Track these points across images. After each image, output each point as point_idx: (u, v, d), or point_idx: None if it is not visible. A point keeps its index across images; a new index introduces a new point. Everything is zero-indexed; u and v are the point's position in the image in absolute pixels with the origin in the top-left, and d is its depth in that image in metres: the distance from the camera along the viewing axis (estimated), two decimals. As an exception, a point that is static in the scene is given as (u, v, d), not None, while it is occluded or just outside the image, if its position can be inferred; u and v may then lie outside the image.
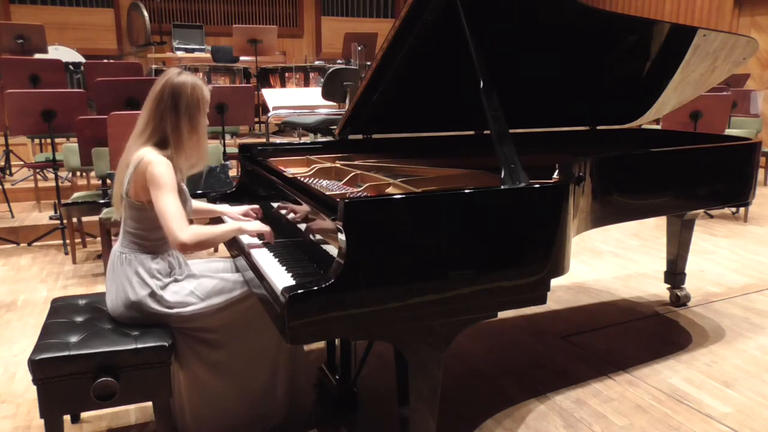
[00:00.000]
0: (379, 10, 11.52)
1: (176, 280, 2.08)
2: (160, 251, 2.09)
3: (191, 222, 2.13)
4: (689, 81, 3.18)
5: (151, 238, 2.07)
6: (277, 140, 7.07)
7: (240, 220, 2.30)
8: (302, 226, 2.07)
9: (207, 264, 2.25)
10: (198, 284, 2.08)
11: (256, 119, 7.57)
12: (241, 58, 8.03)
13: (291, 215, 2.15)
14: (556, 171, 2.02)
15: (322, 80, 6.44)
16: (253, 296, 2.08)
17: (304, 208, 2.01)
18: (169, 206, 1.94)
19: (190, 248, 1.98)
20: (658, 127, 5.26)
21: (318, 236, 1.93)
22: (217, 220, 2.41)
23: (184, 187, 2.15)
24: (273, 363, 2.20)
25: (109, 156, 3.81)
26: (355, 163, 2.58)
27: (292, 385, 2.26)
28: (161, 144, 2.04)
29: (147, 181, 1.96)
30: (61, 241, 4.61)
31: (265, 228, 2.13)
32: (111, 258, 2.12)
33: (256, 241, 2.16)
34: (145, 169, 1.96)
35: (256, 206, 2.41)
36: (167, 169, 1.97)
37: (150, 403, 2.11)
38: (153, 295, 2.03)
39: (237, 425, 2.15)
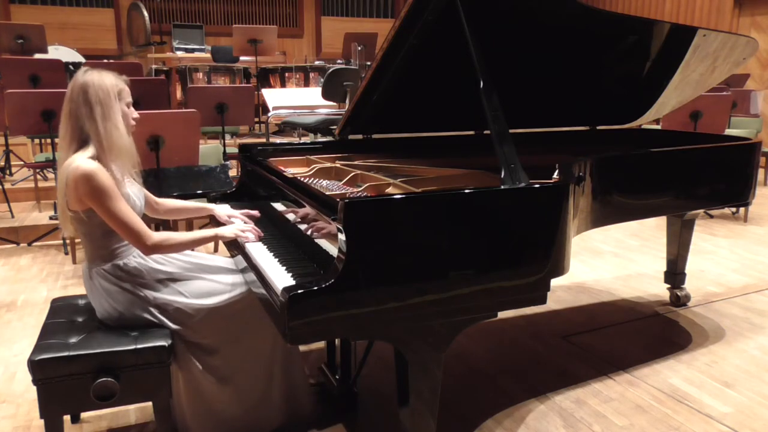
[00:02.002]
0: (379, 10, 11.52)
1: (158, 271, 2.05)
2: (122, 256, 2.03)
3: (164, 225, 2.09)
4: (689, 81, 3.17)
5: (105, 246, 2.00)
6: (277, 140, 7.06)
7: (227, 222, 2.30)
8: (303, 226, 2.07)
9: (208, 262, 2.24)
10: (188, 285, 2.07)
11: (256, 119, 7.57)
12: (241, 58, 8.03)
13: (298, 220, 2.14)
14: (556, 171, 2.02)
15: (322, 80, 6.44)
16: (248, 299, 2.08)
17: (310, 211, 2.00)
18: (120, 215, 1.89)
19: (158, 252, 1.98)
20: (658, 127, 5.25)
21: (316, 234, 1.93)
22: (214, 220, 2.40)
23: (129, 190, 2.04)
24: (268, 367, 2.19)
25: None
26: (355, 163, 2.58)
27: (290, 388, 2.26)
28: (85, 145, 1.96)
29: (84, 195, 1.89)
30: (61, 241, 4.61)
31: (246, 227, 2.12)
32: (83, 275, 2.10)
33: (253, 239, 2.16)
34: (77, 179, 1.88)
35: (253, 212, 2.34)
36: (101, 175, 1.88)
37: (150, 403, 2.11)
38: (136, 299, 2.01)
39: (235, 427, 2.15)
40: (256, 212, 2.35)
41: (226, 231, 2.13)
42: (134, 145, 2.07)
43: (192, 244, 2.06)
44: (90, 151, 1.94)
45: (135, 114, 2.08)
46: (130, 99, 2.07)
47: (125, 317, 2.03)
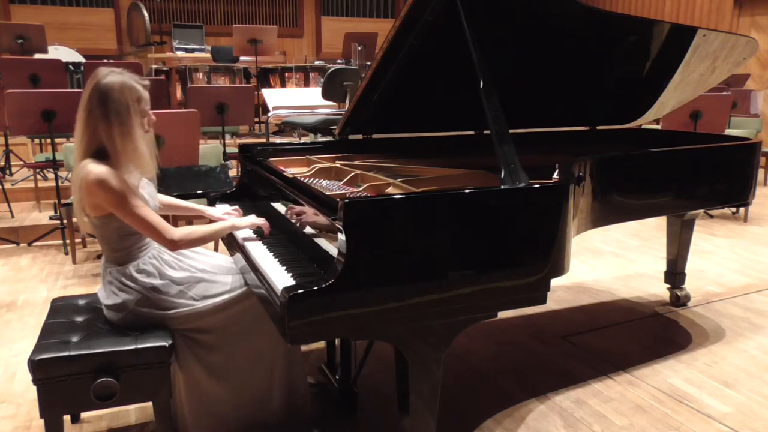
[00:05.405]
0: (379, 10, 11.52)
1: (172, 280, 2.07)
2: (135, 257, 2.04)
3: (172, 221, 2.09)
4: (689, 81, 3.17)
5: (121, 248, 2.02)
6: (277, 140, 7.07)
7: (221, 219, 2.29)
8: (304, 227, 2.07)
9: (208, 260, 2.24)
10: (193, 285, 2.07)
11: (256, 119, 7.57)
12: (241, 58, 8.03)
13: (298, 218, 2.14)
14: (556, 171, 2.02)
15: (322, 80, 6.44)
16: (249, 299, 2.08)
17: (311, 211, 2.00)
18: (142, 215, 1.91)
19: (182, 246, 2.00)
20: (658, 127, 5.25)
21: (313, 231, 1.93)
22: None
23: (145, 191, 2.05)
24: (269, 366, 2.20)
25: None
26: (355, 163, 2.58)
27: (289, 387, 2.26)
28: (100, 155, 1.93)
29: (104, 202, 1.89)
30: (61, 241, 4.61)
31: (259, 221, 2.14)
32: (102, 268, 2.12)
33: (253, 238, 2.15)
34: (90, 186, 1.87)
35: (236, 207, 2.38)
36: (114, 179, 1.87)
37: (150, 403, 2.10)
38: (145, 300, 2.02)
39: (235, 427, 2.15)
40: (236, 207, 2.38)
41: (241, 221, 2.14)
42: (153, 154, 2.04)
43: (213, 236, 2.09)
44: (104, 160, 1.92)
45: (153, 118, 2.04)
46: (148, 105, 2.01)
47: (129, 317, 2.03)
